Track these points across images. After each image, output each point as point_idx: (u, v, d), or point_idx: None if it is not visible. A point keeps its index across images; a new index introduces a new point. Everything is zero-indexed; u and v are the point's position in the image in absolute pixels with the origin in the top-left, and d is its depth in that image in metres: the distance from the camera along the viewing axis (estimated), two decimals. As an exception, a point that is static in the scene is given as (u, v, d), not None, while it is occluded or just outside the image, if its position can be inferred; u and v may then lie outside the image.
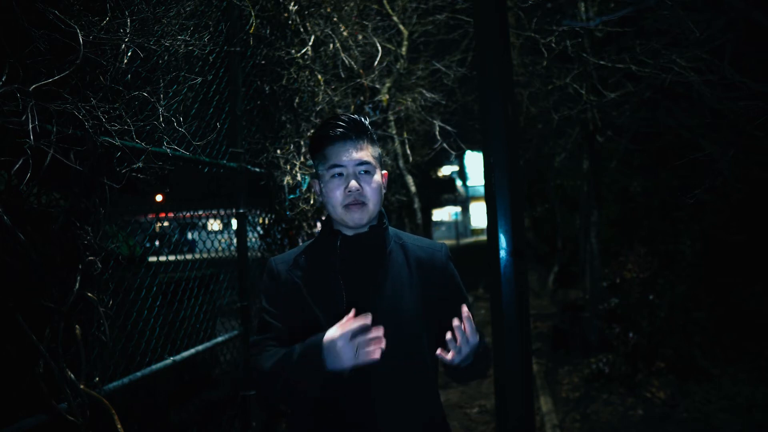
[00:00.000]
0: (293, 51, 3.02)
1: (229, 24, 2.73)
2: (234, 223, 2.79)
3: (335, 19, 3.36)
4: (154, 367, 2.00)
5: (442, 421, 1.39)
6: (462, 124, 7.08)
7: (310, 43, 3.09)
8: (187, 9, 1.68)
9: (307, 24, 3.14)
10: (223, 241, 3.31)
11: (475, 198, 33.51)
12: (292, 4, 3.01)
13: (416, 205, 6.23)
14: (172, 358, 2.13)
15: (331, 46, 3.32)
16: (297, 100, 3.11)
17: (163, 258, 2.34)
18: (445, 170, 26.49)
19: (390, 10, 4.96)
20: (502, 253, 2.44)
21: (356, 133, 1.33)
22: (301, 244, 1.49)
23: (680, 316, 5.07)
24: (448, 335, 1.18)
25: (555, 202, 9.76)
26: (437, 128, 5.06)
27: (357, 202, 1.31)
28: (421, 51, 5.87)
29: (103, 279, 1.57)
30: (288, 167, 2.97)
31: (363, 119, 1.36)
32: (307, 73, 3.14)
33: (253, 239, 3.11)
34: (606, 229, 7.18)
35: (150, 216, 2.47)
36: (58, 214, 1.42)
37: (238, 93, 2.76)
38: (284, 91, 3.06)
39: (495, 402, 2.58)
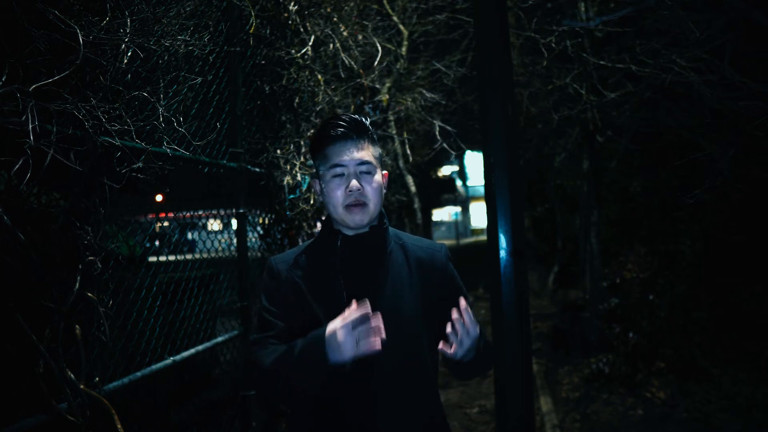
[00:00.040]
0: (293, 51, 3.02)
1: (229, 24, 2.73)
2: (234, 223, 2.79)
3: (335, 19, 3.36)
4: (154, 367, 2.00)
5: (442, 421, 1.39)
6: (462, 124, 7.09)
7: (310, 43, 3.09)
8: (187, 9, 1.68)
9: (307, 24, 3.14)
10: (223, 241, 3.31)
11: (475, 198, 33.52)
12: (292, 4, 3.01)
13: (416, 205, 6.23)
14: (172, 358, 2.13)
15: (331, 46, 3.32)
16: (297, 100, 3.11)
17: (163, 258, 2.34)
18: (445, 170, 26.49)
19: (390, 10, 4.96)
20: (502, 253, 2.44)
21: (357, 133, 1.33)
22: (301, 243, 1.49)
23: (680, 316, 5.07)
24: (449, 328, 1.19)
25: (555, 202, 9.76)
26: (437, 128, 5.06)
27: (358, 202, 1.31)
28: (421, 51, 5.87)
29: (103, 279, 1.57)
30: (288, 167, 2.97)
31: (364, 119, 1.36)
32: (307, 73, 3.14)
33: (253, 239, 3.12)
34: (606, 229, 7.18)
35: (150, 216, 2.47)
36: (58, 214, 1.42)
37: (238, 93, 2.76)
38: (284, 91, 3.06)
39: (495, 402, 2.58)
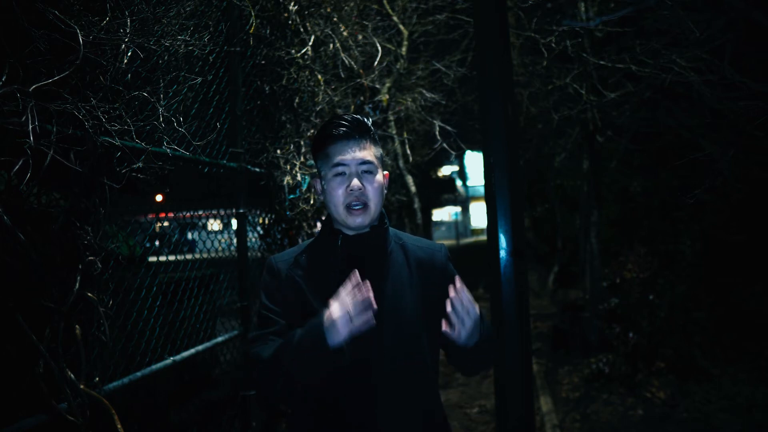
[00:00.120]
0: (293, 51, 3.02)
1: (229, 24, 2.73)
2: (234, 223, 2.79)
3: (335, 19, 3.36)
4: (154, 367, 2.00)
5: (442, 421, 1.39)
6: (462, 124, 7.09)
7: (310, 43, 3.09)
8: (187, 9, 1.68)
9: (307, 24, 3.14)
10: (223, 241, 3.31)
11: (475, 198, 33.51)
12: (292, 4, 3.01)
13: (416, 205, 6.23)
14: (172, 358, 2.13)
15: (331, 46, 3.32)
16: (297, 100, 3.11)
17: (163, 258, 2.34)
18: (445, 170, 26.49)
19: (390, 10, 4.97)
20: (502, 253, 2.44)
21: (359, 133, 1.33)
22: (301, 243, 1.48)
23: (680, 316, 5.07)
24: (448, 306, 1.18)
25: (555, 202, 9.76)
26: (437, 128, 5.06)
27: (359, 202, 1.31)
28: (421, 51, 5.87)
29: (103, 279, 1.57)
30: (288, 167, 2.97)
31: (366, 119, 1.36)
32: (307, 73, 3.14)
33: (253, 239, 3.11)
34: (606, 229, 7.18)
35: (150, 216, 2.47)
36: (58, 214, 1.42)
37: (238, 93, 2.76)
38: (284, 91, 3.06)
39: (495, 402, 2.58)
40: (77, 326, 1.45)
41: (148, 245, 2.25)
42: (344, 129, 1.32)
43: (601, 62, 4.51)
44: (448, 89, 6.00)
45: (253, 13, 2.70)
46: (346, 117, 1.34)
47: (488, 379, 5.11)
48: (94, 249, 1.49)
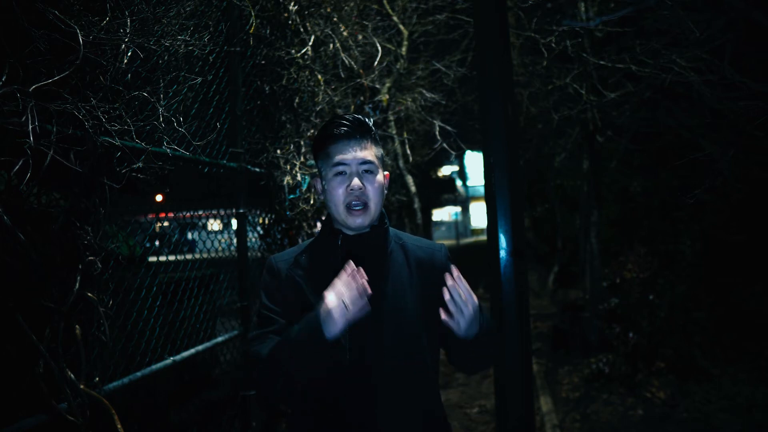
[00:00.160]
0: (293, 51, 3.02)
1: (229, 24, 2.73)
2: (234, 223, 2.79)
3: (335, 19, 3.36)
4: (154, 367, 2.00)
5: (443, 421, 1.38)
6: (462, 124, 7.09)
7: (310, 43, 3.09)
8: (187, 9, 1.68)
9: (307, 24, 3.14)
10: (223, 241, 3.31)
11: (475, 198, 33.53)
12: (292, 4, 3.01)
13: (416, 205, 6.23)
14: (172, 358, 2.13)
15: (331, 46, 3.32)
16: (297, 100, 3.11)
17: (163, 258, 2.34)
18: (445, 170, 26.50)
19: (390, 10, 4.97)
20: (502, 253, 2.44)
21: (360, 133, 1.33)
22: (301, 243, 1.49)
23: (680, 316, 5.07)
24: (446, 295, 1.18)
25: (555, 202, 9.76)
26: (437, 128, 5.06)
27: (359, 202, 1.31)
28: (421, 51, 5.87)
29: (103, 279, 1.57)
30: (288, 167, 2.97)
31: (367, 119, 1.36)
32: (307, 73, 3.14)
33: (253, 239, 3.11)
34: (606, 229, 7.18)
35: (150, 216, 2.47)
36: (58, 214, 1.42)
37: (238, 93, 2.76)
38: (284, 91, 3.06)
39: (495, 402, 2.58)
40: (77, 326, 1.45)
41: (148, 245, 2.25)
42: (345, 129, 1.32)
43: (601, 62, 4.51)
44: (448, 89, 6.00)
45: (253, 13, 2.70)
46: (347, 117, 1.34)
47: (488, 379, 5.11)
48: (94, 249, 1.49)
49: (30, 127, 1.20)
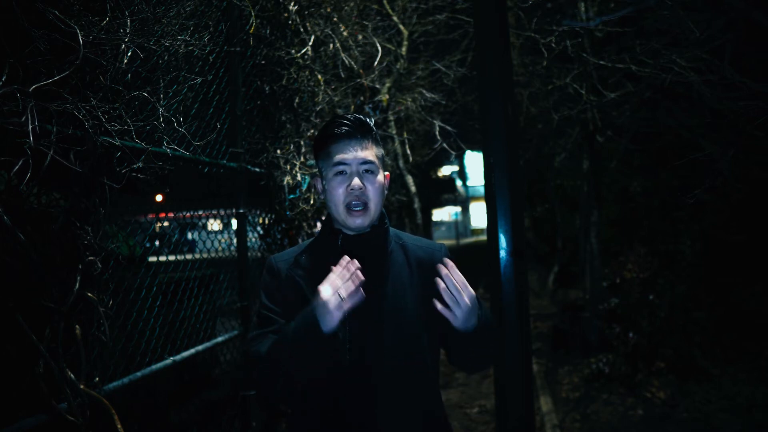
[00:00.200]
0: (293, 51, 3.02)
1: (229, 24, 2.73)
2: (234, 223, 2.79)
3: (335, 19, 3.36)
4: (154, 367, 2.00)
5: (443, 421, 1.38)
6: (462, 124, 7.09)
7: (310, 43, 3.09)
8: (187, 9, 1.68)
9: (307, 24, 3.14)
10: (223, 241, 3.31)
11: (475, 198, 33.52)
12: (292, 4, 3.01)
13: (416, 205, 6.23)
14: (172, 358, 2.13)
15: (331, 46, 3.32)
16: (297, 100, 3.11)
17: (163, 258, 2.34)
18: (445, 170, 26.50)
19: (390, 10, 4.96)
20: (502, 253, 2.44)
21: (362, 133, 1.33)
22: (301, 243, 1.48)
23: (680, 316, 5.07)
24: (441, 285, 1.18)
25: (555, 202, 9.76)
26: (437, 128, 5.06)
27: (359, 202, 1.31)
28: (421, 51, 5.87)
29: (103, 279, 1.57)
30: (288, 167, 2.97)
31: (369, 119, 1.36)
32: (307, 73, 3.14)
33: (253, 239, 3.11)
34: (606, 229, 7.19)
35: (150, 216, 2.47)
36: (58, 214, 1.42)
37: (238, 93, 2.76)
38: (284, 91, 3.06)
39: (495, 402, 2.58)
40: (77, 326, 1.45)
41: (148, 245, 2.25)
42: (346, 128, 1.32)
43: (601, 62, 4.51)
44: (448, 89, 6.00)
45: (253, 13, 2.70)
46: (348, 116, 1.34)
47: (488, 379, 5.11)
48: (94, 249, 1.49)
49: (30, 127, 1.20)
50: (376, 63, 3.86)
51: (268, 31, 2.97)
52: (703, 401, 4.26)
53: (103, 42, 1.40)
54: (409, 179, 6.05)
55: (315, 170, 1.41)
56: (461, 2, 5.24)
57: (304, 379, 1.22)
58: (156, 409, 3.28)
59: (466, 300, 1.17)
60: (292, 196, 3.02)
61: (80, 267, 1.45)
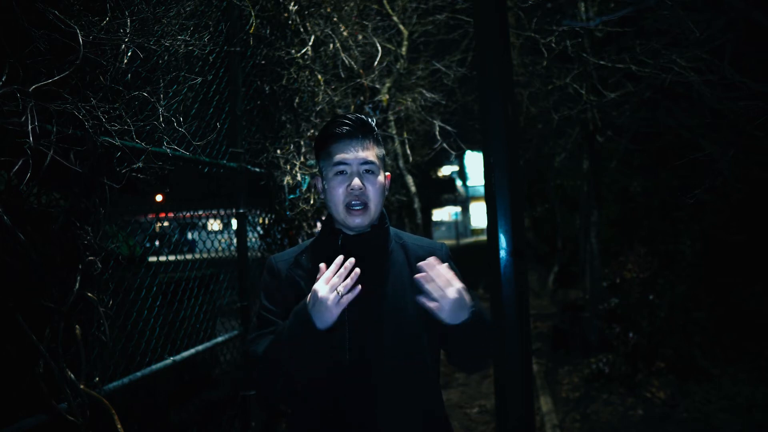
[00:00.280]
0: (293, 51, 3.02)
1: (229, 24, 2.73)
2: (234, 223, 2.79)
3: (335, 19, 3.36)
4: (154, 367, 2.00)
5: (443, 421, 1.38)
6: (462, 124, 7.08)
7: (310, 43, 3.09)
8: (187, 9, 1.68)
9: (307, 24, 3.14)
10: (223, 241, 3.31)
11: (475, 198, 33.52)
12: (292, 4, 3.01)
13: (416, 205, 6.23)
14: (172, 358, 2.13)
15: (331, 46, 3.32)
16: (297, 100, 3.11)
17: (163, 258, 2.34)
18: (445, 170, 26.50)
19: (390, 10, 4.96)
20: (502, 253, 2.44)
21: (363, 133, 1.33)
22: (301, 243, 1.48)
23: (680, 316, 5.07)
24: (419, 275, 1.18)
25: (555, 202, 9.76)
26: (437, 128, 5.06)
27: (359, 202, 1.30)
28: (421, 51, 5.87)
29: (103, 279, 1.57)
30: (288, 167, 2.97)
31: (370, 120, 1.36)
32: (307, 73, 3.14)
33: (253, 239, 3.11)
34: (606, 229, 7.18)
35: (150, 216, 2.47)
36: (58, 214, 1.42)
37: (238, 93, 2.76)
38: (284, 91, 3.06)
39: (495, 402, 2.58)
40: (77, 326, 1.45)
41: (148, 245, 2.25)
42: (347, 128, 1.31)
43: (601, 62, 4.51)
44: (448, 89, 6.00)
45: (253, 13, 2.70)
46: (349, 116, 1.33)
47: (488, 379, 5.11)
48: (94, 249, 1.49)
49: (30, 127, 1.20)
50: (376, 63, 3.86)
51: (268, 31, 2.97)
52: (703, 401, 4.26)
53: (103, 42, 1.40)
54: (409, 179, 6.05)
55: (315, 170, 1.42)
56: (461, 2, 5.24)
57: (304, 378, 1.22)
58: (156, 409, 3.28)
59: (452, 293, 1.17)
60: (292, 196, 3.02)
61: (80, 267, 1.45)
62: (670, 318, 5.00)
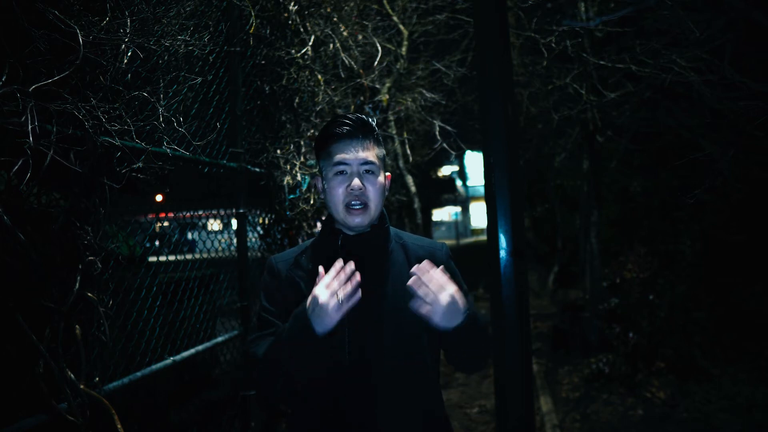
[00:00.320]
0: (293, 51, 3.02)
1: (229, 24, 2.73)
2: (234, 223, 2.79)
3: (335, 19, 3.36)
4: (154, 367, 2.00)
5: (443, 421, 1.38)
6: (462, 124, 7.09)
7: (310, 43, 3.09)
8: (187, 9, 1.68)
9: (307, 24, 3.14)
10: (223, 241, 3.31)
11: (475, 198, 33.52)
12: (292, 4, 3.01)
13: (416, 205, 6.23)
14: (172, 358, 2.13)
15: (331, 46, 3.32)
16: (297, 100, 3.11)
17: (163, 258, 2.34)
18: (445, 170, 26.50)
19: (390, 10, 4.96)
20: (502, 253, 2.44)
21: (363, 133, 1.32)
22: (301, 243, 1.48)
23: (680, 316, 5.07)
24: (411, 281, 1.16)
25: (555, 202, 9.76)
26: (437, 128, 5.06)
27: (359, 202, 1.30)
28: (421, 51, 5.87)
29: (103, 279, 1.57)
30: (288, 167, 2.97)
31: (371, 120, 1.36)
32: (307, 73, 3.14)
33: (253, 239, 3.11)
34: (606, 229, 7.19)
35: (150, 216, 2.47)
36: (58, 214, 1.42)
37: (238, 93, 2.76)
38: (284, 91, 3.06)
39: (495, 402, 2.58)
40: (77, 326, 1.45)
41: (148, 245, 2.25)
42: (348, 128, 1.31)
43: (601, 62, 4.51)
44: (448, 89, 6.00)
45: (253, 13, 2.70)
46: (350, 116, 1.33)
47: (488, 379, 5.11)
48: (94, 249, 1.49)
49: (30, 127, 1.20)
50: (376, 63, 3.86)
51: (268, 31, 2.97)
52: (703, 401, 4.26)
53: (103, 42, 1.40)
54: (409, 179, 6.05)
55: (315, 170, 1.42)
56: (461, 2, 5.24)
57: (304, 379, 1.22)
58: (156, 409, 3.28)
59: (445, 298, 1.16)
60: (292, 196, 3.02)
61: (80, 267, 1.45)
62: (670, 318, 5.00)
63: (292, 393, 1.26)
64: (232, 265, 2.80)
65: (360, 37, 3.77)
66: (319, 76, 3.18)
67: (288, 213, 3.04)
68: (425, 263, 1.19)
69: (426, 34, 5.75)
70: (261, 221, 3.22)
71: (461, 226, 31.01)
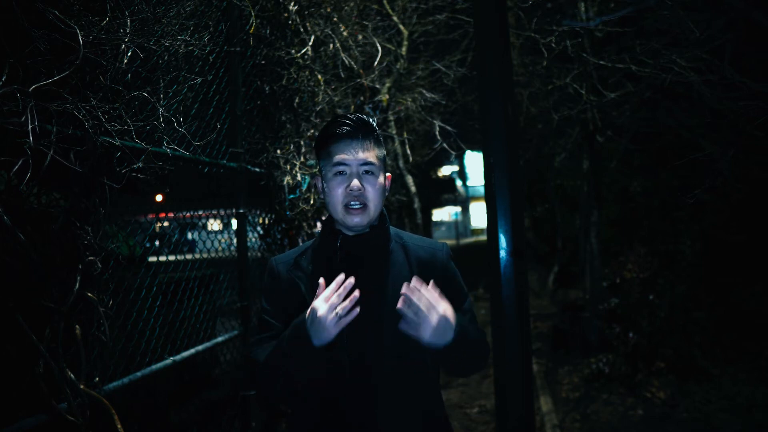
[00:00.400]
0: (293, 51, 3.02)
1: (229, 24, 2.73)
2: (234, 223, 2.79)
3: (335, 19, 3.36)
4: (154, 367, 2.00)
5: (443, 421, 1.38)
6: (462, 124, 7.09)
7: (310, 43, 3.09)
8: (187, 9, 1.68)
9: (307, 24, 3.14)
10: (223, 241, 3.31)
11: (475, 198, 33.52)
12: (292, 4, 3.01)
13: (416, 205, 6.23)
14: (172, 358, 2.13)
15: (331, 46, 3.32)
16: (297, 100, 3.11)
17: (163, 258, 2.34)
18: (445, 170, 26.51)
19: (390, 10, 4.96)
20: (502, 253, 2.44)
21: (363, 133, 1.32)
22: (301, 244, 1.48)
23: (680, 316, 5.07)
24: (400, 303, 1.16)
25: (555, 202, 9.76)
26: (437, 128, 5.06)
27: (358, 203, 1.30)
28: (421, 51, 5.87)
29: (103, 279, 1.57)
30: (288, 167, 2.97)
31: (371, 120, 1.35)
32: (307, 73, 3.14)
33: (253, 239, 3.11)
34: (606, 229, 7.18)
35: (150, 216, 2.47)
36: (58, 214, 1.42)
37: (238, 93, 2.76)
38: (284, 91, 3.06)
39: (495, 402, 2.58)
40: (77, 326, 1.45)
41: (148, 245, 2.25)
42: (348, 128, 1.31)
43: (601, 62, 4.51)
44: (448, 89, 6.00)
45: (253, 13, 2.70)
46: (350, 116, 1.33)
47: (488, 379, 5.11)
48: (94, 249, 1.49)
49: (30, 127, 1.20)
50: (376, 63, 3.86)
51: (268, 31, 2.97)
52: (703, 401, 4.26)
53: (103, 42, 1.40)
54: (409, 179, 6.05)
55: (315, 170, 1.42)
56: (461, 2, 5.24)
57: (304, 379, 1.23)
58: (156, 409, 3.28)
59: (434, 318, 1.15)
60: (292, 196, 3.02)
61: (80, 267, 1.45)
62: (670, 318, 5.00)
63: (292, 393, 1.26)
64: (232, 265, 2.80)
65: (360, 37, 3.77)
66: (319, 76, 3.18)
67: (288, 213, 3.04)
68: (414, 281, 1.17)
69: (426, 34, 5.75)
70: (261, 221, 3.22)
71: (461, 226, 31.01)
